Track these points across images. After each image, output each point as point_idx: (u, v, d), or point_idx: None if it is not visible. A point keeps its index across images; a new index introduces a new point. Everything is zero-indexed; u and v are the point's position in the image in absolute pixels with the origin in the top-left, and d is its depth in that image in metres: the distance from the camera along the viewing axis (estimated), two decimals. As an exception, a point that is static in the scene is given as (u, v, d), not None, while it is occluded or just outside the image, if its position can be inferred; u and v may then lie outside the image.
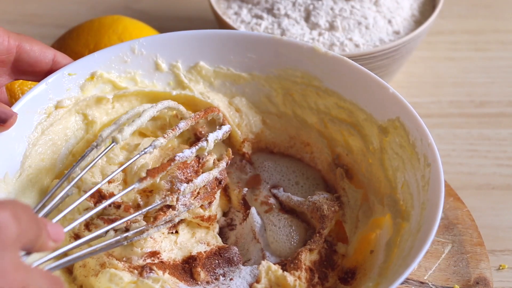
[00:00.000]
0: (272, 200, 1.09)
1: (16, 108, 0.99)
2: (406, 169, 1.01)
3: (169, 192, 1.00)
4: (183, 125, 1.03)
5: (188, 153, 1.01)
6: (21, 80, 1.18)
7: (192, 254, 1.01)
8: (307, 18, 1.31)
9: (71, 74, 1.05)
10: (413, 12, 1.35)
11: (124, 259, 0.97)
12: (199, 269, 0.99)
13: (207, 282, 0.99)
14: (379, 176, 1.05)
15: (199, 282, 0.99)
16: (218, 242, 1.04)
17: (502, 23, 1.53)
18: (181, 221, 1.03)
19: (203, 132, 1.11)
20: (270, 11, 1.33)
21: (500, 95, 1.39)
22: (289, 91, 1.12)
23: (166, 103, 1.05)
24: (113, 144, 0.99)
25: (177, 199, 0.99)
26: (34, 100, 1.02)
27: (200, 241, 1.04)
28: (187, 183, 1.01)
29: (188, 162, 1.03)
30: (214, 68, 1.12)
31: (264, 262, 0.99)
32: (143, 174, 0.99)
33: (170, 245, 1.01)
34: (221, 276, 1.00)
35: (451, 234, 1.10)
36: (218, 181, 1.05)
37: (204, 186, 1.03)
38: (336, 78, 1.09)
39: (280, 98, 1.12)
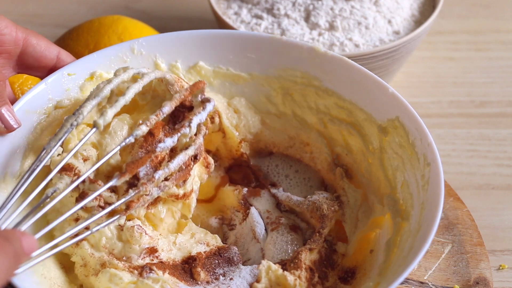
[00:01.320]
0: (283, 220, 1.08)
1: (16, 108, 0.99)
2: (405, 168, 1.01)
3: (143, 181, 0.96)
4: (167, 109, 0.99)
5: (170, 143, 0.98)
6: (21, 80, 1.18)
7: (192, 254, 1.01)
8: (307, 18, 1.31)
9: (71, 74, 1.05)
10: (413, 12, 1.35)
11: (124, 258, 0.97)
12: (199, 269, 0.99)
13: (207, 282, 0.99)
14: (379, 175, 1.05)
15: (199, 282, 0.99)
16: (218, 242, 1.04)
17: (502, 23, 1.53)
18: (157, 199, 1.01)
19: (190, 101, 1.04)
20: (270, 11, 1.33)
21: (500, 95, 1.39)
22: (289, 91, 1.12)
23: (153, 74, 1.01)
24: (94, 130, 0.95)
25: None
26: (33, 100, 1.02)
27: (200, 242, 1.03)
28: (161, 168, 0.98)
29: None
30: (214, 68, 1.12)
31: (264, 262, 0.99)
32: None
33: (169, 246, 1.01)
34: (221, 276, 1.00)
35: (451, 234, 1.10)
36: (193, 157, 1.01)
37: (175, 153, 1.00)
38: (335, 78, 1.09)
39: (279, 98, 1.12)
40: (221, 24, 1.31)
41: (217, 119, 1.11)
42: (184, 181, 1.01)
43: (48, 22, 1.53)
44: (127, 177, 0.93)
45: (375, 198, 1.05)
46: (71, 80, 1.06)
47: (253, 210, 1.08)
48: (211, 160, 1.07)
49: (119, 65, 1.09)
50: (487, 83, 1.41)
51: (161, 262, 0.99)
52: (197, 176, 1.06)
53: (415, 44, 1.30)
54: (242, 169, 1.14)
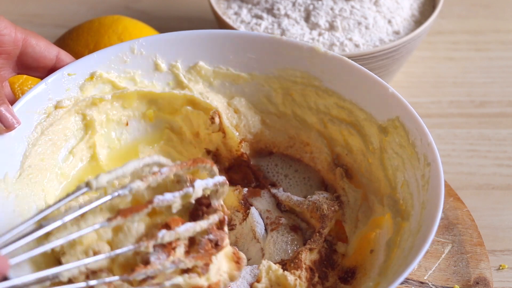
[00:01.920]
0: (283, 220, 1.08)
1: (16, 108, 0.99)
2: (406, 168, 1.01)
3: (144, 238, 0.88)
4: (165, 170, 0.89)
5: (170, 197, 0.88)
6: (21, 80, 1.18)
7: None
8: (307, 18, 1.31)
9: (71, 74, 1.06)
10: (413, 12, 1.35)
11: None
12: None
13: None
14: (379, 175, 1.05)
15: None
16: None
17: (502, 23, 1.53)
18: None
19: (207, 197, 0.95)
20: (270, 11, 1.33)
21: (500, 95, 1.39)
22: (289, 91, 1.12)
23: (155, 157, 0.92)
24: (84, 190, 0.86)
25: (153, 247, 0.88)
26: (33, 100, 1.02)
27: None
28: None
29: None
30: (214, 68, 1.12)
31: (264, 262, 0.99)
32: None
33: None
34: None
35: (451, 234, 1.10)
36: (214, 243, 0.91)
37: (195, 246, 0.90)
38: (336, 78, 1.09)
39: (279, 98, 1.12)
40: (221, 24, 1.31)
41: (217, 119, 1.11)
42: (206, 265, 0.90)
43: (48, 22, 1.53)
44: (119, 221, 0.86)
45: (375, 198, 1.05)
46: (71, 80, 1.06)
47: (253, 210, 1.08)
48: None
49: (119, 65, 1.09)
50: (487, 83, 1.41)
51: None
52: (227, 273, 0.94)
53: (415, 44, 1.30)
54: (242, 169, 1.14)
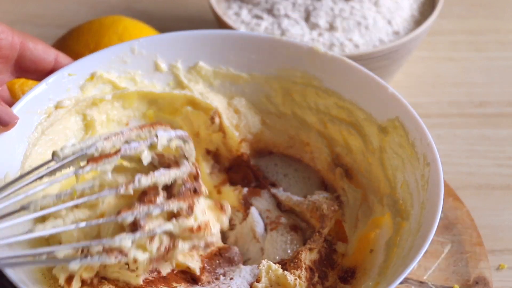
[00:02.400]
0: (283, 220, 1.08)
1: (16, 108, 1.00)
2: (405, 168, 1.01)
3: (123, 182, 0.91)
4: (126, 130, 0.93)
5: (136, 145, 0.92)
6: (21, 81, 1.18)
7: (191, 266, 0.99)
8: (307, 19, 1.32)
9: (71, 74, 1.06)
10: (413, 12, 1.35)
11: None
12: (202, 277, 0.99)
13: (208, 282, 0.99)
14: (379, 175, 1.05)
15: (199, 283, 0.99)
16: (218, 242, 1.04)
17: (502, 23, 1.53)
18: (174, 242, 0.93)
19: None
20: (270, 11, 1.33)
21: (500, 95, 1.39)
22: (289, 91, 1.12)
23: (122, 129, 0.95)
24: (51, 160, 0.90)
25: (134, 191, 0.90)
26: (34, 100, 1.02)
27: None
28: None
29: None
30: (214, 68, 1.12)
31: (264, 262, 0.99)
32: None
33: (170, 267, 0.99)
34: (221, 276, 1.00)
35: (451, 234, 1.10)
36: (192, 190, 0.94)
37: (174, 196, 0.93)
38: (335, 78, 1.09)
39: (279, 98, 1.12)
40: (221, 24, 1.32)
41: (217, 120, 1.11)
42: (190, 208, 0.92)
43: (48, 23, 1.54)
44: (91, 167, 0.89)
45: (375, 198, 1.05)
46: (71, 80, 1.06)
47: (253, 210, 1.08)
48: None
49: (119, 65, 1.09)
50: (487, 83, 1.41)
51: (162, 277, 0.98)
52: (215, 220, 0.98)
53: (415, 44, 1.30)
54: (242, 169, 1.14)
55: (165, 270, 0.97)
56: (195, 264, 0.99)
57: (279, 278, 0.97)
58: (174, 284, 0.97)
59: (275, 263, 0.99)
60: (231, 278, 1.00)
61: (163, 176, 0.92)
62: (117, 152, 0.91)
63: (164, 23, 1.50)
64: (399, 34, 1.31)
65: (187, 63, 1.12)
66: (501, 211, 1.19)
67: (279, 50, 1.11)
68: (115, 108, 1.10)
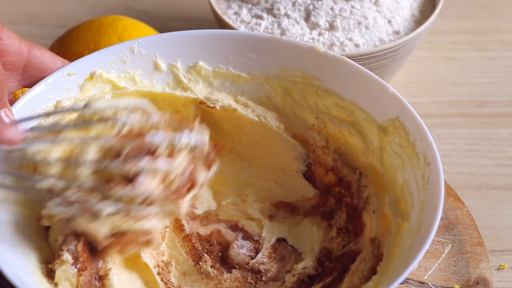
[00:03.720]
0: None
1: (16, 108, 0.99)
2: (405, 168, 1.01)
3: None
4: (156, 118, 0.92)
5: (161, 137, 0.89)
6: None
7: None
8: (307, 18, 1.31)
9: (71, 74, 1.05)
10: (413, 12, 1.35)
11: None
12: None
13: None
14: (379, 175, 1.05)
15: None
16: None
17: (502, 23, 1.53)
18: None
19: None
20: (270, 11, 1.33)
21: (500, 95, 1.39)
22: (289, 91, 1.12)
23: (144, 103, 0.96)
24: (81, 108, 0.93)
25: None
26: (33, 100, 1.02)
27: None
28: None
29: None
30: (214, 68, 1.12)
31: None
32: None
33: None
34: None
35: (451, 234, 1.10)
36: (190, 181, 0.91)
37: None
38: (335, 78, 1.09)
39: (279, 98, 1.12)
40: (221, 24, 1.31)
41: None
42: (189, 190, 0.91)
43: (48, 22, 1.53)
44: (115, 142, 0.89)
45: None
46: (71, 80, 1.06)
47: None
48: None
49: (119, 65, 1.09)
50: (487, 83, 1.41)
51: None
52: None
53: (415, 44, 1.30)
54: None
55: None
56: None
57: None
58: None
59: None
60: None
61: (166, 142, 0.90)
62: (139, 136, 0.89)
63: (164, 23, 1.50)
64: (399, 33, 1.30)
65: (187, 63, 1.12)
66: (502, 211, 1.19)
67: (279, 49, 1.11)
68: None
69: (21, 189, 0.92)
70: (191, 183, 0.90)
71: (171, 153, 0.89)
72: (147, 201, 0.88)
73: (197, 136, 0.92)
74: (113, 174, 0.89)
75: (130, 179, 0.88)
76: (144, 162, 0.88)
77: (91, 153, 0.91)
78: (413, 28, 1.32)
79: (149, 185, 0.88)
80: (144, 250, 0.99)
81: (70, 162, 0.90)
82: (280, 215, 1.09)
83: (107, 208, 0.87)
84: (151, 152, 0.88)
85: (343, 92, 1.08)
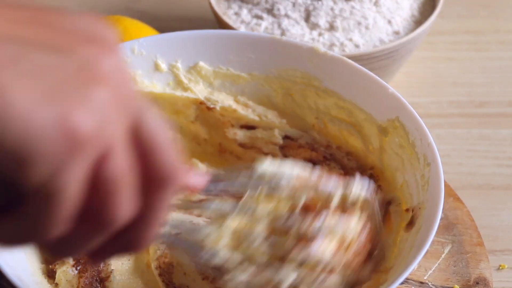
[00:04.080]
0: None
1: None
2: (405, 169, 1.01)
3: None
4: (332, 185, 0.75)
5: (333, 184, 0.74)
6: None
7: None
8: (307, 19, 1.31)
9: (71, 74, 1.05)
10: (413, 12, 1.35)
11: None
12: None
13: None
14: (378, 175, 1.05)
15: None
16: None
17: (502, 23, 1.53)
18: None
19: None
20: (270, 11, 1.33)
21: (500, 95, 1.39)
22: (289, 91, 1.12)
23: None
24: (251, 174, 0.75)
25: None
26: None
27: None
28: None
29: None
30: (214, 68, 1.12)
31: None
32: None
33: None
34: None
35: (451, 234, 1.10)
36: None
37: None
38: (335, 78, 1.09)
39: (279, 98, 1.12)
40: (221, 24, 1.32)
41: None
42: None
43: (48, 22, 1.53)
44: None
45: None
46: (71, 80, 1.06)
47: None
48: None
49: (119, 65, 1.09)
50: (487, 83, 1.41)
51: None
52: None
53: (415, 44, 1.30)
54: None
55: None
56: None
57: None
58: None
59: None
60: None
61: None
62: (324, 207, 0.73)
63: (164, 23, 1.50)
64: (399, 34, 1.30)
65: (187, 63, 1.12)
66: (501, 211, 1.19)
67: (279, 50, 1.11)
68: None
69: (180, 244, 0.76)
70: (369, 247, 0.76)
71: (343, 208, 0.74)
72: (327, 268, 0.72)
73: (365, 184, 0.77)
74: (288, 235, 0.72)
75: (307, 239, 0.71)
76: (322, 219, 0.72)
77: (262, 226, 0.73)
78: (413, 29, 1.32)
79: (327, 247, 0.72)
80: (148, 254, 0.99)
81: (241, 236, 0.73)
82: None
83: (289, 276, 0.71)
84: (325, 205, 0.73)
85: (343, 92, 1.08)
